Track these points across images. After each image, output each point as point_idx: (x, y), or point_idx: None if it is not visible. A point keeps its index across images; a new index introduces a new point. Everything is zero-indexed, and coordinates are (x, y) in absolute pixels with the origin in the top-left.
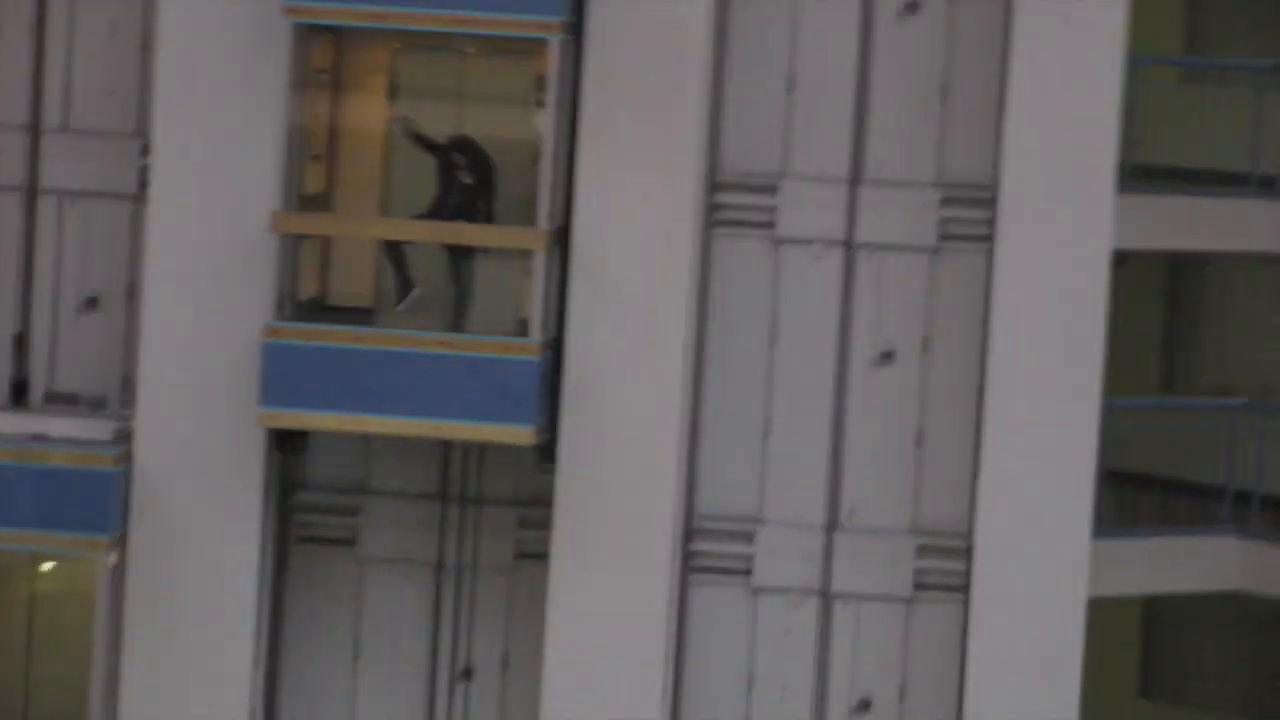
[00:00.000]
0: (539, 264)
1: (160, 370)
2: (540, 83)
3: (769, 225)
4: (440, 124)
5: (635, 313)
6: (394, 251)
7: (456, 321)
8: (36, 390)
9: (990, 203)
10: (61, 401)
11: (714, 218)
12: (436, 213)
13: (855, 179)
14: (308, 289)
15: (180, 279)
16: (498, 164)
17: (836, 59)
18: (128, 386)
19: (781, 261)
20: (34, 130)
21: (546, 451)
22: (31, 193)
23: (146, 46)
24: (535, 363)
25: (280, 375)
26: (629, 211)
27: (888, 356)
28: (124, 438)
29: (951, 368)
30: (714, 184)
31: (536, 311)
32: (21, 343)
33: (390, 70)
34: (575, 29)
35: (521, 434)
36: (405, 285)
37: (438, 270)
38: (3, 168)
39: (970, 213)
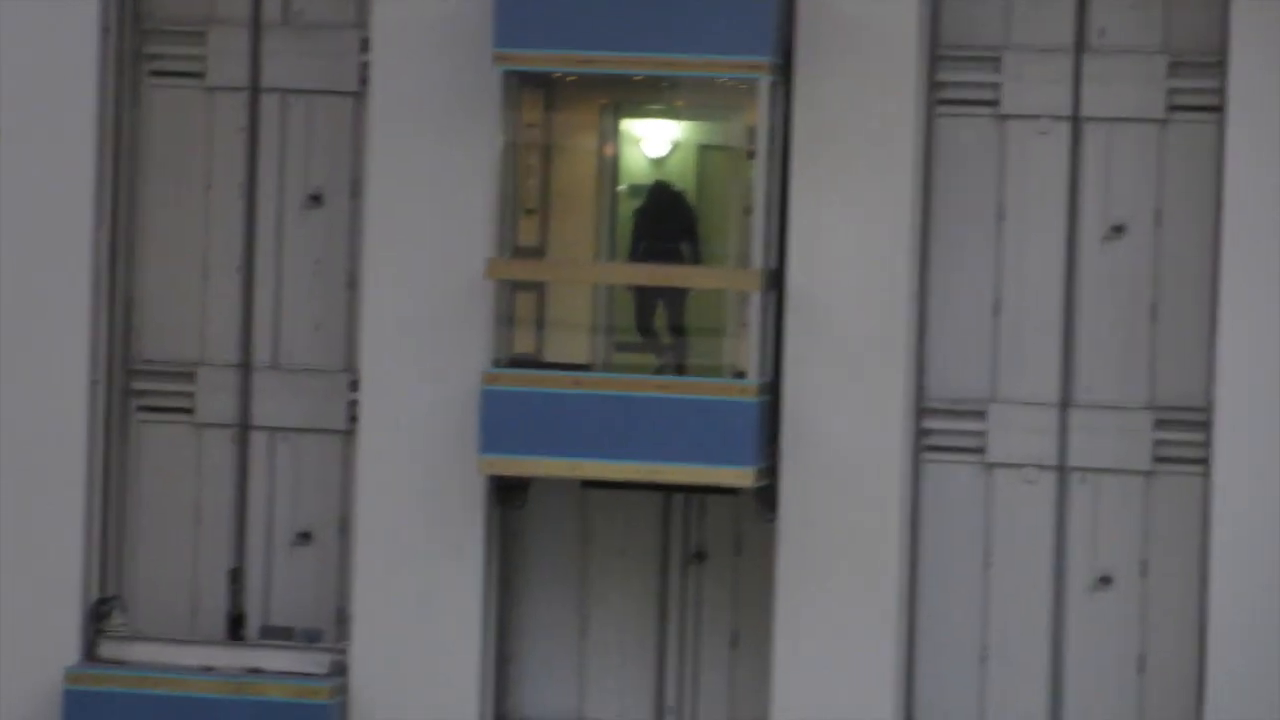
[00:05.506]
0: (755, 306)
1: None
2: (750, 132)
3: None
4: (648, 173)
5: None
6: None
7: (672, 366)
8: (252, 624)
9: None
10: (277, 635)
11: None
12: (637, 257)
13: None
14: (522, 346)
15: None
16: (708, 209)
17: None
18: (341, 619)
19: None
20: (246, 367)
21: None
22: (244, 427)
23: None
24: (753, 405)
25: (500, 422)
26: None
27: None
28: (339, 671)
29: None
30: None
31: (753, 354)
32: (237, 577)
33: (601, 122)
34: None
35: (741, 476)
36: (648, 330)
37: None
38: (216, 402)
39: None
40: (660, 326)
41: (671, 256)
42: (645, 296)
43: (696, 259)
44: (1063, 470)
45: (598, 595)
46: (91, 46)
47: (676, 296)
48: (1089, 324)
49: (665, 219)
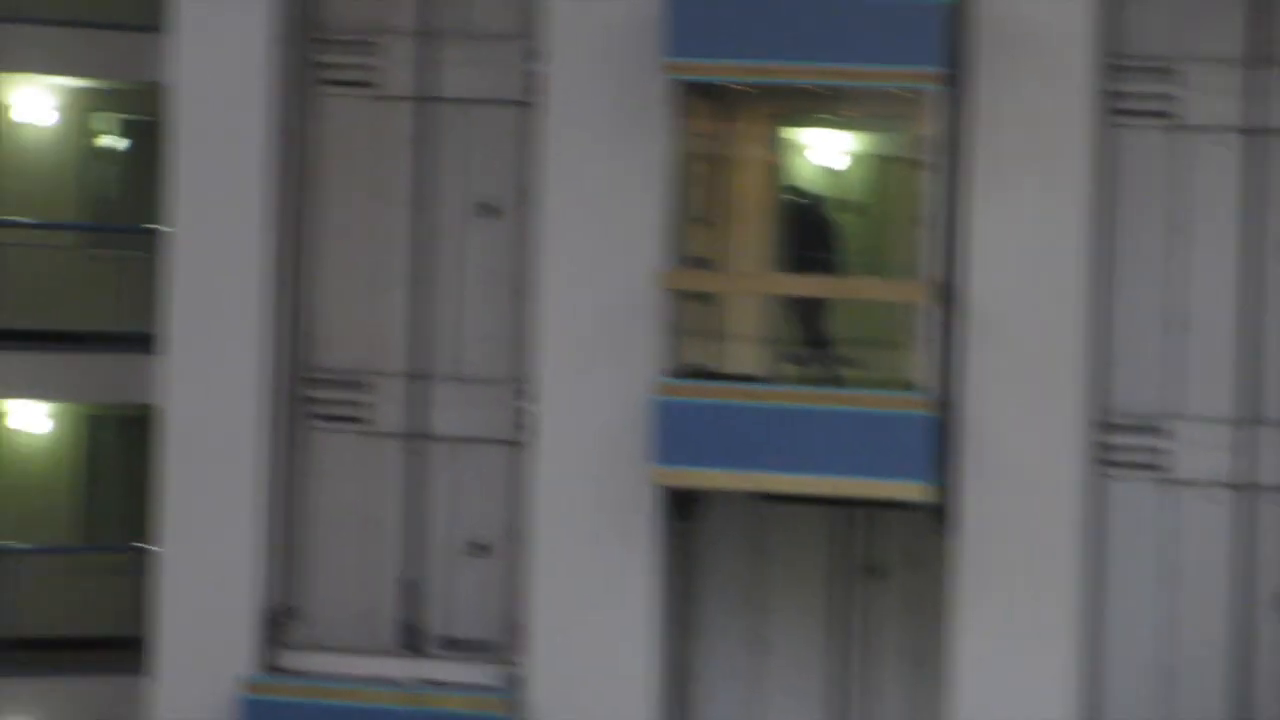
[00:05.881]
0: (925, 318)
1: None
2: (919, 142)
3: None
4: (818, 184)
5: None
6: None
7: (843, 378)
8: (428, 635)
9: None
10: (452, 646)
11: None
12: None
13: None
14: (694, 356)
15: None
16: (877, 219)
17: None
18: (516, 630)
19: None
20: (419, 376)
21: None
22: (419, 437)
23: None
24: (925, 418)
25: (673, 433)
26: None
27: None
28: (514, 683)
29: None
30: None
31: (924, 367)
32: (412, 588)
33: (770, 132)
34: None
35: (913, 490)
36: (817, 342)
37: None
38: (390, 411)
39: None
40: (829, 338)
41: (814, 267)
42: (813, 307)
43: (834, 269)
44: (1247, 487)
45: (772, 608)
46: (263, 56)
47: (840, 308)
48: (1275, 338)
49: (804, 229)
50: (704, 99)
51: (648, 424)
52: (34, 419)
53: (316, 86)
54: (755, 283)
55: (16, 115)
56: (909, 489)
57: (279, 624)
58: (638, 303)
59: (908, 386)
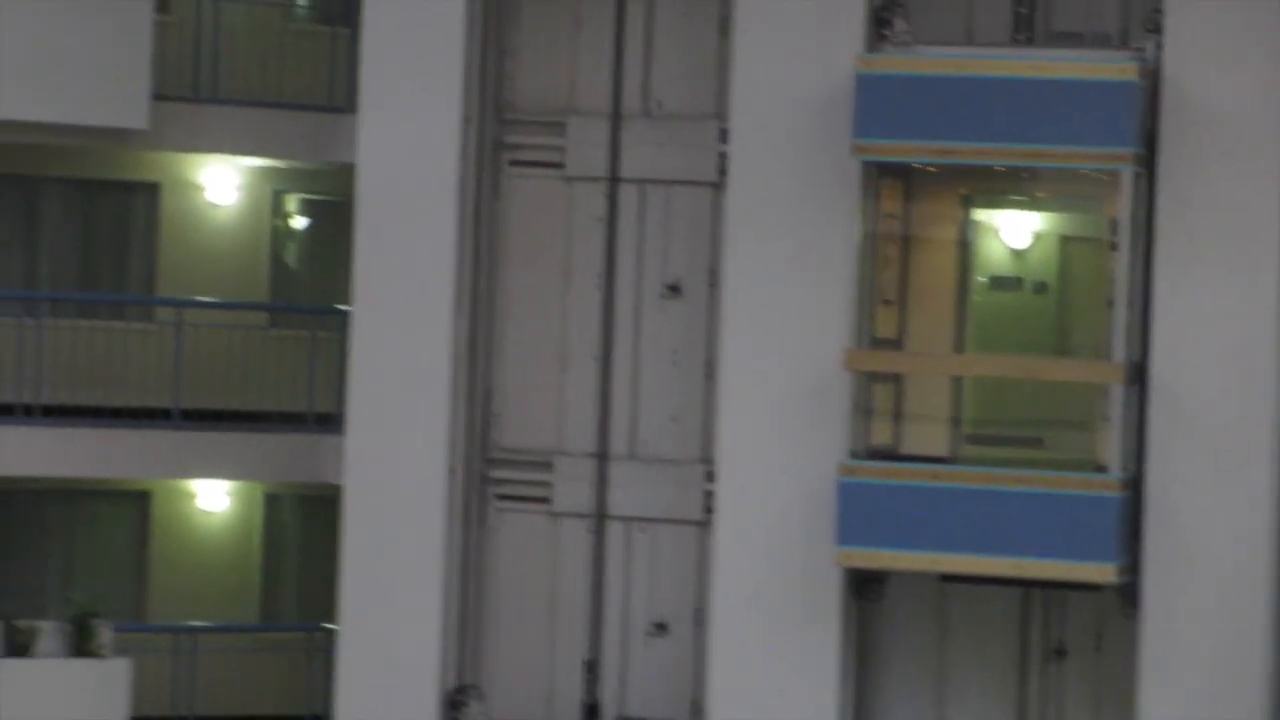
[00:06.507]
0: (1117, 399)
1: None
2: (1111, 223)
3: None
4: (1009, 265)
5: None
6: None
7: (1032, 460)
8: (607, 714)
9: None
10: None
11: None
12: None
13: None
14: (879, 437)
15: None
16: (1068, 300)
17: None
18: (696, 711)
19: None
20: (602, 456)
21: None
22: (601, 517)
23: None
24: (1116, 500)
25: (858, 514)
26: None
27: None
28: None
29: None
30: None
31: (1116, 448)
32: (592, 667)
33: (960, 213)
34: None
35: (1102, 573)
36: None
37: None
38: (573, 491)
39: None
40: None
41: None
42: (1004, 389)
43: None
44: None
45: (955, 691)
46: (454, 136)
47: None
48: None
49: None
50: (892, 179)
51: (831, 504)
52: (215, 498)
53: (504, 167)
54: (944, 364)
55: (207, 195)
56: (1099, 571)
57: (460, 704)
58: (820, 383)
59: (1097, 467)
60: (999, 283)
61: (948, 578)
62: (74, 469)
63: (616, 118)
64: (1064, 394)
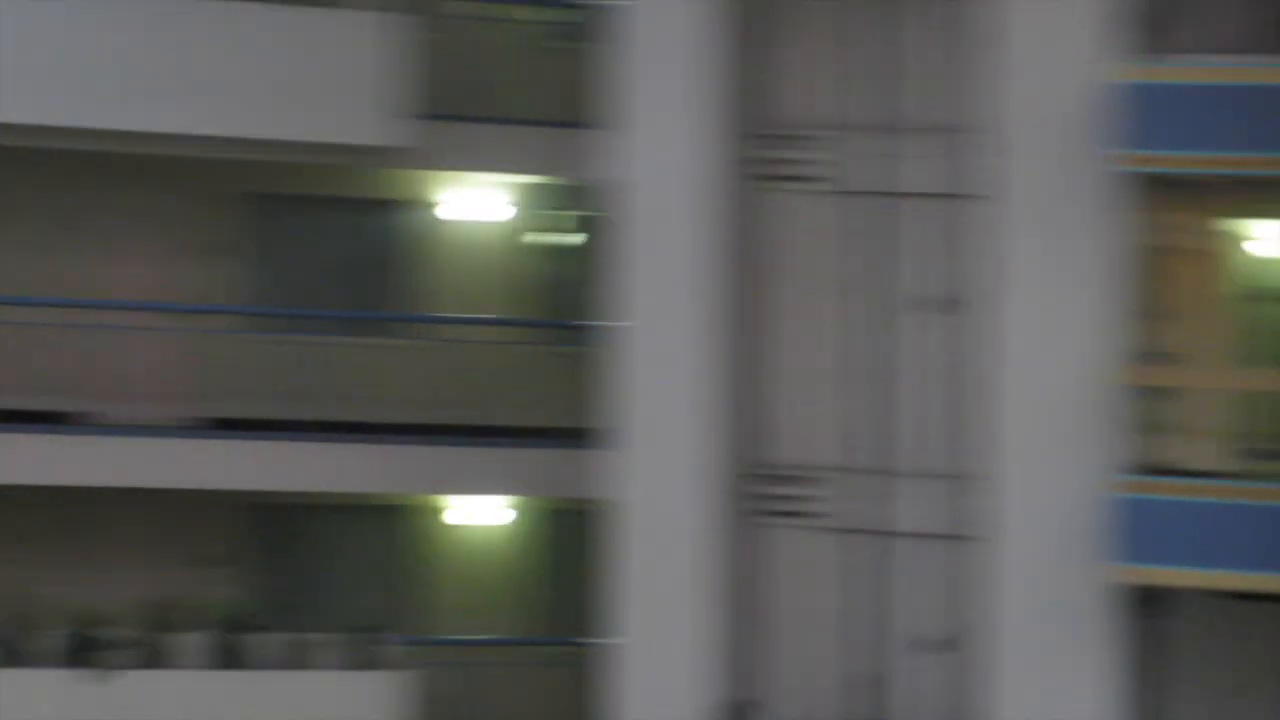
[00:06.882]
0: None
1: None
2: None
3: None
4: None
5: None
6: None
7: None
8: None
9: None
10: None
11: None
12: None
13: None
14: (1155, 452)
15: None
16: None
17: None
18: None
19: None
20: (879, 471)
21: None
22: (878, 533)
23: None
24: None
25: (1136, 530)
26: None
27: None
28: None
29: None
30: None
31: None
32: (866, 684)
33: (1230, 224)
34: None
35: None
36: None
37: None
38: (849, 506)
39: None
40: None
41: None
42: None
43: None
44: None
45: (1245, 710)
46: (715, 152)
47: None
48: None
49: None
50: (1162, 190)
51: (1107, 520)
52: (474, 513)
53: (766, 182)
54: (1220, 378)
55: (466, 213)
56: None
57: (739, 718)
58: (1089, 397)
59: None
60: (1271, 294)
61: (1235, 595)
62: (337, 484)
63: (881, 132)
64: None
